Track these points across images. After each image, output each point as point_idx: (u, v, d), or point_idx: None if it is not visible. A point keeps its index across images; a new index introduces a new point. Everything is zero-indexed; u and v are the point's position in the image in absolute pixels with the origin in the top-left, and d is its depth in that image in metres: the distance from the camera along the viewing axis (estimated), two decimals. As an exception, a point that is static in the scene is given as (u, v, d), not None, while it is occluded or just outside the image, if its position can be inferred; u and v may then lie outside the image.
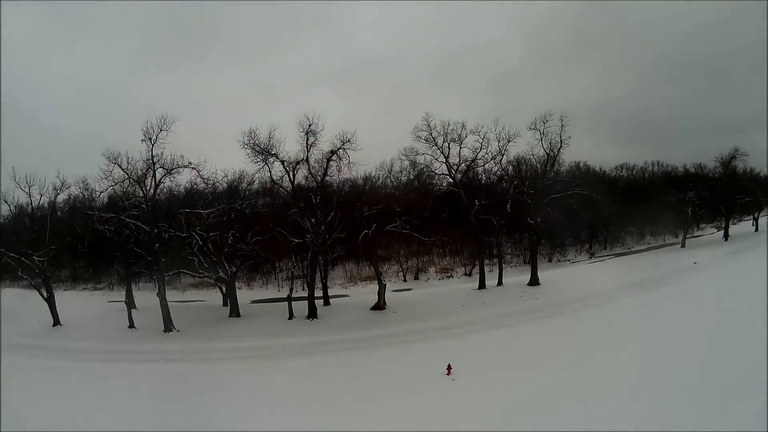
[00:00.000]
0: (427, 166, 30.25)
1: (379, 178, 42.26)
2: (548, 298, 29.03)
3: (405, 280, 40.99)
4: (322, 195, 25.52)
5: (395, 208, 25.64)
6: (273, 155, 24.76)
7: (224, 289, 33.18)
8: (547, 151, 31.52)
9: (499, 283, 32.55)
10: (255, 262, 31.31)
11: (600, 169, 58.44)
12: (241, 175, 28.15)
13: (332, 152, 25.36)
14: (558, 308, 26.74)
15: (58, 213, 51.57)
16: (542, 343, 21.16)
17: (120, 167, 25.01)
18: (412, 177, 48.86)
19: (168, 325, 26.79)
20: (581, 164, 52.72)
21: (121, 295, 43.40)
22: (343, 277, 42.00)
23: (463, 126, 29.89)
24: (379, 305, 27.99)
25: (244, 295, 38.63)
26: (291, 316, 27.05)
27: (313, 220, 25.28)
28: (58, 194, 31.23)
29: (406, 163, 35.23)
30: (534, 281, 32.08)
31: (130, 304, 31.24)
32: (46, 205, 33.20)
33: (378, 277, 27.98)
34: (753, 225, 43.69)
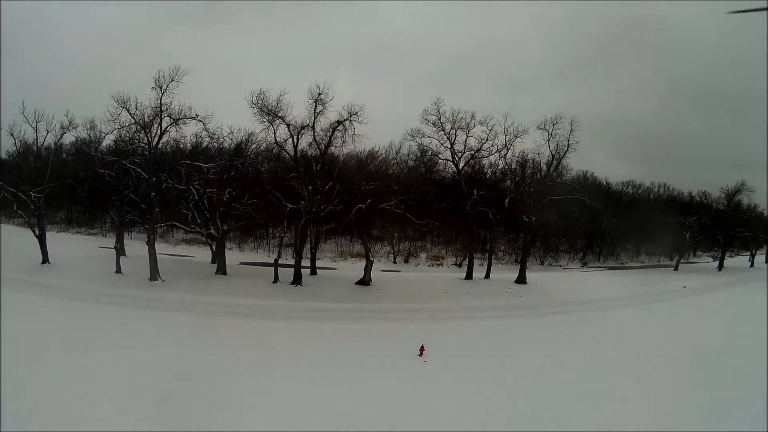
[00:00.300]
0: (431, 150, 30.15)
1: (385, 158, 42.21)
2: (532, 298, 29.30)
3: (395, 262, 41.33)
4: (323, 164, 25.50)
5: (393, 186, 25.59)
6: (279, 117, 24.73)
7: (214, 246, 33.52)
8: (553, 152, 31.41)
9: (487, 276, 32.78)
10: (248, 225, 31.40)
11: (606, 182, 58.34)
12: (249, 136, 28.05)
13: (338, 122, 25.27)
14: (539, 308, 27.04)
15: (63, 154, 52.05)
16: (518, 339, 21.41)
17: (128, 111, 24.94)
18: (417, 162, 49.01)
19: (154, 275, 27.07)
20: (588, 174, 52.70)
21: (112, 242, 43.80)
22: (333, 251, 42.33)
23: (473, 116, 29.76)
24: (364, 280, 28.30)
25: (235, 256, 39.08)
26: (276, 280, 27.35)
27: (310, 188, 25.34)
28: (64, 133, 31.10)
29: (414, 147, 35.27)
30: (521, 279, 32.29)
31: (120, 250, 31.53)
32: (52, 144, 33.28)
33: (366, 253, 28.24)
34: (749, 260, 43.63)
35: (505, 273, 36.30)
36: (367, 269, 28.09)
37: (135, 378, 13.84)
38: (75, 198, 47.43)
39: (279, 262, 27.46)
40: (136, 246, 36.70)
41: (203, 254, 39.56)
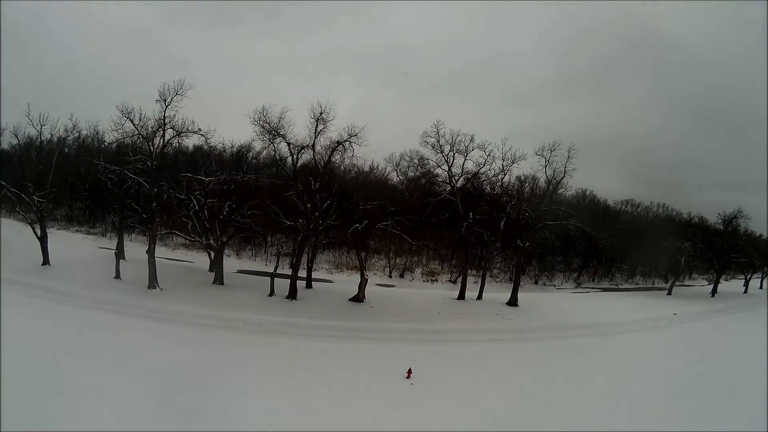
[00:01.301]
0: (430, 170, 30.88)
1: (385, 169, 42.88)
2: (521, 322, 29.85)
3: (390, 276, 42.05)
4: (321, 182, 26.22)
5: (390, 207, 26.28)
6: (280, 135, 25.49)
7: (212, 255, 34.27)
8: (550, 178, 32.10)
9: (479, 297, 33.40)
10: (247, 234, 32.10)
11: (604, 200, 58.94)
12: (249, 147, 28.84)
13: (338, 143, 26.02)
14: (528, 333, 27.59)
15: (66, 150, 52.88)
16: (504, 365, 21.98)
17: (132, 122, 25.69)
18: (418, 174, 49.62)
19: (152, 283, 27.66)
20: (587, 192, 53.29)
21: (112, 242, 44.61)
22: (329, 263, 43.07)
23: (472, 138, 30.52)
24: (358, 297, 28.99)
25: (232, 263, 39.80)
26: (272, 293, 28.04)
27: (309, 205, 26.06)
28: (68, 136, 32.11)
29: (415, 160, 35.98)
30: (513, 302, 32.93)
31: (120, 255, 32.29)
32: (55, 143, 34.04)
33: (361, 271, 28.90)
34: (744, 285, 44.15)
35: (498, 292, 36.96)
36: (362, 287, 28.78)
37: (121, 389, 14.50)
38: (76, 195, 48.36)
39: (277, 272, 28.18)
40: (135, 249, 37.41)
41: (202, 259, 40.30)
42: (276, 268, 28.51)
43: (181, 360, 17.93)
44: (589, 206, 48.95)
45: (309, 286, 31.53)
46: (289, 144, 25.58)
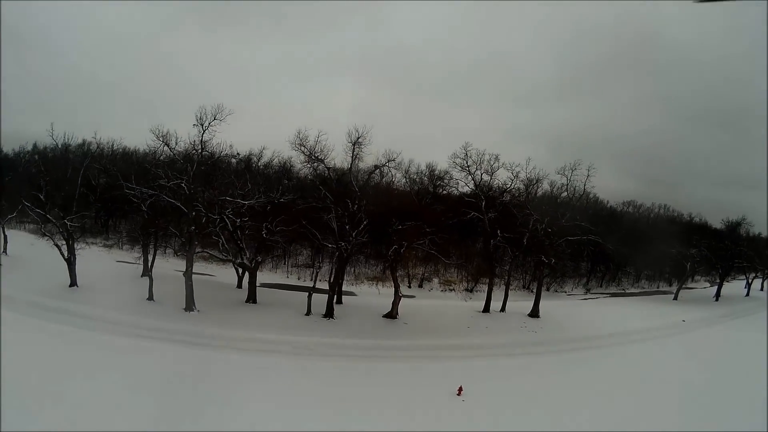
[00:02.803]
0: (457, 190, 32.05)
1: (394, 175, 43.58)
2: (548, 334, 31.34)
3: (410, 287, 43.18)
4: (359, 204, 27.02)
5: (425, 228, 27.30)
6: (320, 161, 26.15)
7: (241, 272, 34.76)
8: (570, 196, 33.61)
9: (503, 309, 34.85)
10: (279, 254, 32.65)
11: (607, 202, 61.05)
12: (286, 166, 29.28)
13: (376, 167, 26.88)
14: (557, 345, 29.07)
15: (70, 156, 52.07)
16: (545, 378, 23.35)
17: (168, 147, 25.98)
18: (425, 178, 50.75)
19: (189, 305, 27.84)
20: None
21: (128, 255, 44.59)
22: (350, 275, 43.89)
23: (497, 158, 31.84)
24: (392, 314, 30.04)
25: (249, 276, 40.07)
26: (309, 312, 28.81)
27: (347, 227, 26.86)
28: (90, 157, 31.94)
29: (423, 166, 37.00)
30: (534, 313, 34.47)
31: (145, 271, 32.43)
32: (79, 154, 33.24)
33: (395, 289, 29.91)
34: (745, 288, 46.76)
35: (514, 300, 38.35)
36: (395, 304, 29.83)
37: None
38: (87, 205, 47.85)
39: (314, 288, 28.83)
40: (156, 263, 37.59)
41: (222, 273, 40.51)
42: (314, 286, 29.25)
43: (253, 390, 18.46)
44: (593, 208, 50.73)
45: (339, 301, 32.38)
46: (328, 169, 26.29)
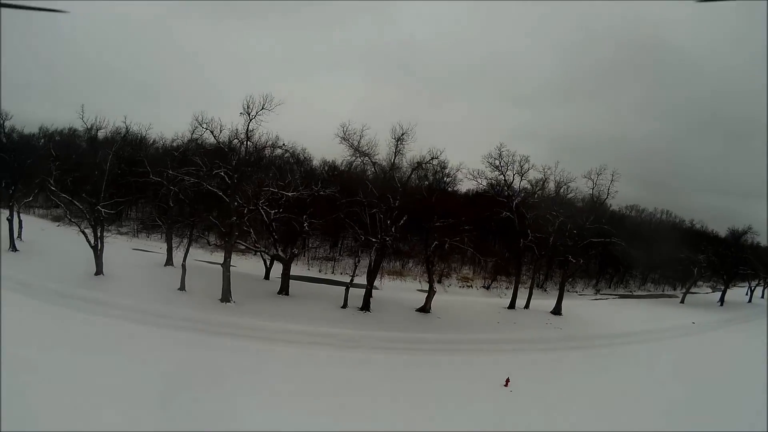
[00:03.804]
0: (491, 192, 33.06)
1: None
2: (571, 331, 32.58)
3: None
4: (401, 200, 27.64)
5: (465, 226, 28.14)
6: (366, 155, 26.67)
7: (269, 263, 34.96)
8: (595, 199, 35.02)
9: (527, 306, 36.13)
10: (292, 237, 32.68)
11: (610, 205, 62.93)
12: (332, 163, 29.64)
13: (419, 164, 27.51)
14: (582, 341, 30.36)
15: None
16: (583, 371, 24.77)
17: (213, 135, 25.98)
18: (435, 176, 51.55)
19: (226, 296, 27.67)
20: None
21: (144, 243, 44.18)
22: (359, 268, 44.44)
23: (527, 159, 33.03)
24: (425, 308, 30.88)
25: (275, 268, 39.80)
26: (345, 305, 29.33)
27: (389, 222, 27.47)
28: (121, 143, 31.54)
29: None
30: (557, 311, 35.86)
31: (169, 261, 32.10)
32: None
33: (430, 284, 30.73)
34: (747, 294, 49.37)
35: (534, 299, 39.87)
36: (429, 298, 30.67)
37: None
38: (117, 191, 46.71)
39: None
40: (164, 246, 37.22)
41: (243, 264, 40.01)
42: (352, 279, 29.79)
43: (309, 382, 18.75)
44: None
45: (370, 295, 32.91)
46: (374, 164, 26.86)
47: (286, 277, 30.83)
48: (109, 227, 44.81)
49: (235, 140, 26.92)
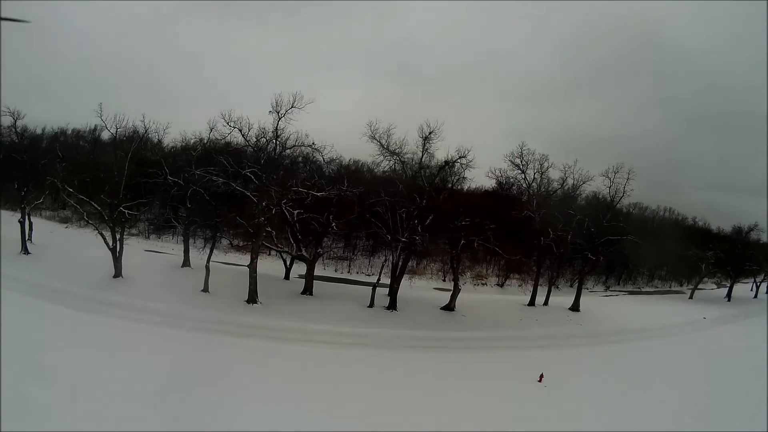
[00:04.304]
0: (513, 192, 33.70)
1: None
2: (592, 327, 33.38)
3: (444, 280, 44.55)
4: (427, 199, 28.00)
5: (489, 224, 28.63)
6: (396, 155, 27.00)
7: (288, 263, 35.03)
8: (612, 196, 35.93)
9: (546, 303, 36.87)
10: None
11: (615, 203, 64.06)
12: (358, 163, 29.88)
13: (446, 163, 27.90)
14: (604, 337, 31.10)
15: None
16: (610, 365, 25.54)
17: (240, 133, 26.01)
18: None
19: (253, 297, 27.65)
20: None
21: (155, 244, 43.74)
22: (386, 267, 44.72)
23: (547, 158, 33.77)
24: (450, 306, 31.36)
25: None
26: (372, 304, 29.60)
27: (416, 221, 27.82)
28: (139, 142, 31.26)
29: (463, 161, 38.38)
30: (575, 307, 36.65)
31: (186, 263, 31.65)
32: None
33: (455, 282, 31.22)
34: (752, 290, 50.86)
35: (542, 295, 40.42)
36: (454, 297, 31.15)
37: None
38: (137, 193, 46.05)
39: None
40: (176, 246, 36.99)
41: (258, 264, 40.01)
42: (379, 279, 30.09)
43: (355, 383, 19.11)
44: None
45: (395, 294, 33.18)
46: (403, 163, 27.16)
47: (310, 277, 30.98)
48: (130, 229, 44.59)
49: (263, 139, 26.91)
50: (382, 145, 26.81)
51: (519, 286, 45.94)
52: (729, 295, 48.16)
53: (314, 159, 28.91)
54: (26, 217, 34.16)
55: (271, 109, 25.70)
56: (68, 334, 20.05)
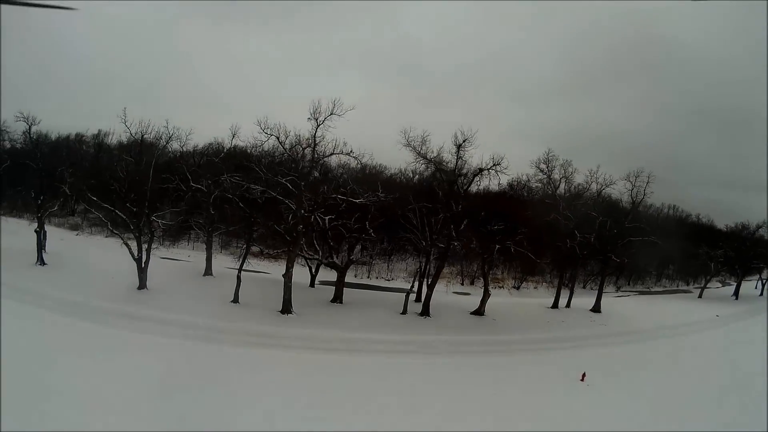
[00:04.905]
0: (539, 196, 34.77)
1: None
2: (616, 327, 34.58)
3: (462, 284, 45.48)
4: (463, 205, 28.73)
5: (522, 229, 29.52)
6: (431, 161, 27.61)
7: (314, 270, 35.29)
8: (633, 198, 37.32)
9: (568, 305, 38.05)
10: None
11: (620, 202, 65.99)
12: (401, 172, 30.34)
13: (480, 170, 28.65)
14: (630, 336, 32.22)
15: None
16: (645, 363, 26.50)
17: (279, 141, 26.20)
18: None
19: (288, 307, 27.70)
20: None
21: (171, 251, 43.30)
22: (404, 271, 45.41)
23: (570, 163, 34.97)
24: (479, 311, 32.18)
25: (304, 273, 39.71)
26: (405, 311, 30.18)
27: (452, 227, 28.51)
28: (163, 149, 31.11)
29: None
30: (597, 308, 37.96)
31: (208, 271, 31.39)
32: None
33: (485, 287, 32.05)
34: (757, 287, 53.16)
35: (563, 297, 41.68)
36: (484, 301, 31.99)
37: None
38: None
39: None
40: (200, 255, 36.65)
41: (275, 269, 39.55)
42: (413, 285, 30.65)
43: (424, 392, 19.47)
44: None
45: (419, 299, 33.86)
46: (440, 171, 27.75)
47: (340, 284, 31.36)
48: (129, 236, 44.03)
49: (298, 146, 27.15)
50: (417, 152, 27.45)
51: (535, 288, 47.39)
52: (737, 293, 50.33)
53: (347, 165, 29.18)
54: (42, 226, 33.48)
55: (309, 116, 25.89)
56: (104, 353, 19.03)
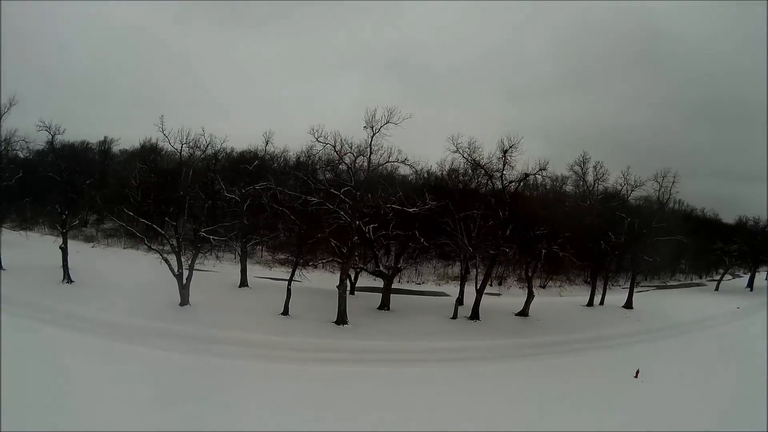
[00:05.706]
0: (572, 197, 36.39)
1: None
2: (650, 323, 36.42)
3: (491, 285, 46.76)
4: (510, 211, 29.89)
5: (565, 233, 30.91)
6: (482, 167, 28.66)
7: (354, 277, 35.78)
8: (660, 199, 39.39)
9: (602, 302, 39.92)
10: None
11: (626, 198, 68.69)
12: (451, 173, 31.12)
13: (526, 175, 29.90)
14: (666, 331, 34.16)
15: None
16: (688, 357, 28.28)
17: (334, 149, 26.67)
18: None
19: (342, 318, 28.05)
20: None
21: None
22: (432, 274, 46.46)
23: (602, 165, 36.72)
24: (524, 312, 33.56)
25: (329, 278, 37.61)
26: (455, 316, 31.21)
27: (499, 233, 29.65)
28: (201, 156, 31.07)
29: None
30: (629, 305, 39.99)
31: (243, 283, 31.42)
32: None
33: (529, 289, 33.39)
34: (766, 279, 56.63)
35: (576, 295, 43.99)
36: (528, 303, 33.33)
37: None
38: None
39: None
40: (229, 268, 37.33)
41: (313, 278, 39.39)
42: (461, 292, 31.69)
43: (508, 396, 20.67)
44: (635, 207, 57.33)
45: (461, 302, 34.78)
46: (490, 177, 28.84)
47: (387, 292, 32.09)
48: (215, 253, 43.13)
49: (350, 154, 27.66)
50: (465, 158, 28.49)
51: (559, 286, 49.19)
52: (751, 285, 53.54)
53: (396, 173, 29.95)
54: (66, 242, 32.85)
55: (365, 124, 26.39)
56: (168, 378, 18.66)
